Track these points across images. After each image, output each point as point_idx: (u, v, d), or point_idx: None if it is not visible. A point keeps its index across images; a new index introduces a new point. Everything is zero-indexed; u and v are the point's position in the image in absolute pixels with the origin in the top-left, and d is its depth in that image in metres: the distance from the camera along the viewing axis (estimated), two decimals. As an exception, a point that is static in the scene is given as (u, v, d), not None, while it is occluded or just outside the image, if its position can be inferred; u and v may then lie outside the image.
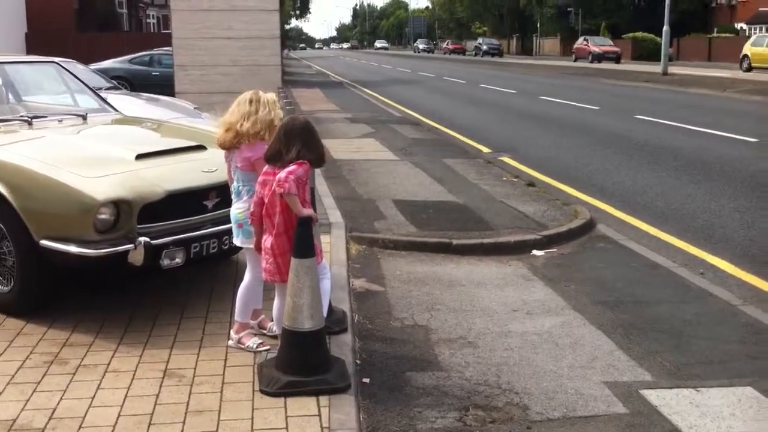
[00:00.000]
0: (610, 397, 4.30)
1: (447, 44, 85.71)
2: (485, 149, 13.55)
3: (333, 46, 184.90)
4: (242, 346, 4.55)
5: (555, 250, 7.26)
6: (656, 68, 35.14)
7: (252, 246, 4.43)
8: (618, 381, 4.51)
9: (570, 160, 12.27)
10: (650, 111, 18.58)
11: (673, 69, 35.20)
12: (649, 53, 50.98)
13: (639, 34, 55.32)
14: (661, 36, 34.62)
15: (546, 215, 8.27)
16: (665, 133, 15.05)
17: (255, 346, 4.54)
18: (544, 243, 7.36)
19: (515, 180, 10.33)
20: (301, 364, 4.07)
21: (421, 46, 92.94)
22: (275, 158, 4.25)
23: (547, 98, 23.10)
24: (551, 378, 4.54)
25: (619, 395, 4.32)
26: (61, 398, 3.96)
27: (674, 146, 13.37)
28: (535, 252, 7.17)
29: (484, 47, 69.91)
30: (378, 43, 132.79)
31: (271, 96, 4.58)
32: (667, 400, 4.26)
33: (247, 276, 4.62)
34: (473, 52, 73.67)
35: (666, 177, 10.63)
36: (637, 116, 17.76)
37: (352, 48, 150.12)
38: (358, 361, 4.62)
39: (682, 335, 5.22)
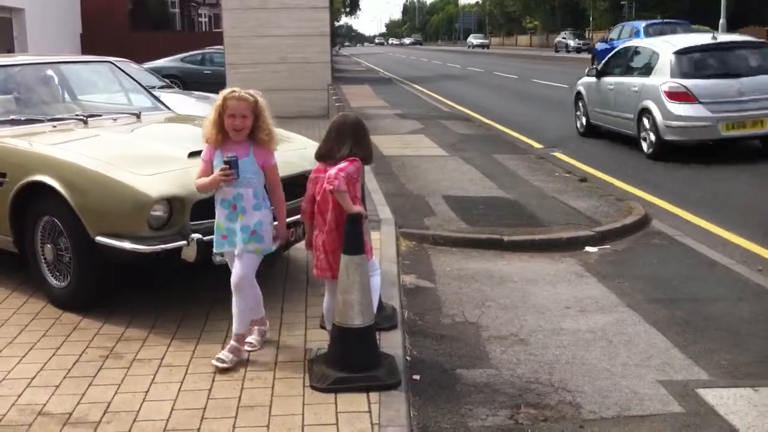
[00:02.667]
0: (665, 396, 4.21)
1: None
2: (537, 144, 13.42)
3: (393, 41, 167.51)
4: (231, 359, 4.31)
5: (608, 246, 7.15)
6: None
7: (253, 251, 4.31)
8: (673, 380, 4.42)
9: (624, 155, 12.07)
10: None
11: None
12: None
13: (695, 26, 54.16)
14: (717, 28, 33.91)
15: (599, 211, 8.16)
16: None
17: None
18: (598, 239, 7.25)
19: (567, 175, 10.21)
20: (351, 360, 4.07)
21: (475, 42, 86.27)
22: (327, 156, 4.27)
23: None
24: (605, 376, 4.47)
25: (674, 394, 4.23)
26: (116, 392, 4.02)
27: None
28: (588, 248, 7.07)
29: (572, 42, 57.66)
30: (408, 39, 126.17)
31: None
32: (724, 400, 4.16)
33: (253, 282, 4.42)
34: (553, 49, 61.50)
35: (723, 173, 10.38)
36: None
37: (415, 44, 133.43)
38: (408, 358, 4.60)
39: (739, 333, 5.09)
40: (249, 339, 4.50)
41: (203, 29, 50.92)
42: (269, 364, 4.33)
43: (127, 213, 4.74)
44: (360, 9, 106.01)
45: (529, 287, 6.06)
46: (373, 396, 3.93)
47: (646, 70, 12.13)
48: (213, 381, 4.14)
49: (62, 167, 5.05)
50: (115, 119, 6.35)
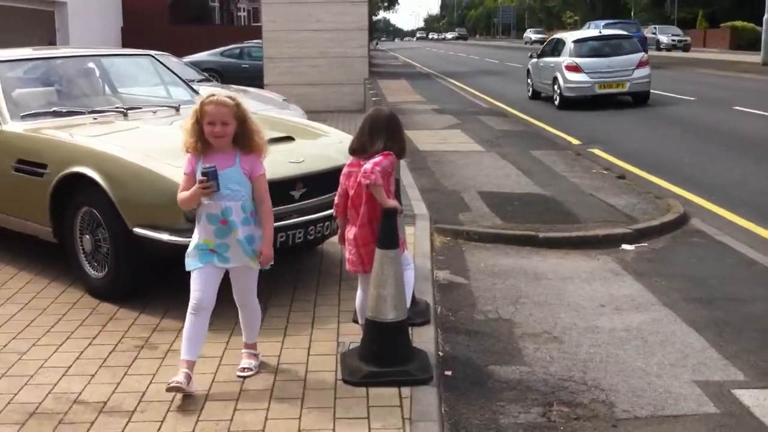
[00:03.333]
0: (700, 397, 4.16)
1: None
2: (574, 141, 13.31)
3: (433, 35, 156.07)
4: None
5: (646, 244, 7.07)
6: (755, 58, 33.75)
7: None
8: (709, 380, 4.36)
9: (663, 151, 11.93)
10: (751, 102, 17.85)
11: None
12: (749, 43, 48.96)
13: (738, 22, 53.02)
14: (761, 25, 33.22)
15: (637, 208, 8.06)
16: (767, 126, 14.46)
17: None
18: (635, 237, 7.17)
19: (605, 172, 10.11)
20: (383, 354, 4.07)
21: (533, 37, 76.42)
22: (360, 150, 4.26)
23: (656, 91, 22.47)
24: (639, 375, 4.42)
25: (710, 395, 4.18)
26: (150, 382, 4.07)
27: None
28: (624, 246, 6.99)
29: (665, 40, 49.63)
30: (451, 33, 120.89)
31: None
32: (760, 401, 4.09)
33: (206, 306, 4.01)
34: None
35: (766, 170, 10.21)
36: (736, 107, 17.11)
37: (459, 38, 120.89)
38: (440, 354, 4.60)
39: (779, 335, 5.00)
40: (245, 364, 4.18)
41: (242, 23, 51.22)
42: (302, 357, 4.35)
43: (164, 205, 4.78)
44: (398, 3, 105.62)
45: (564, 284, 6.02)
46: (405, 391, 3.93)
47: (558, 53, 19.33)
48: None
49: (102, 159, 5.12)
50: (154, 112, 6.42)
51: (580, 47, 19.00)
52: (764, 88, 23.07)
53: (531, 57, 21.51)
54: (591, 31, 23.62)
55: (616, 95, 18.53)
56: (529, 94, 21.20)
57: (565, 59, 18.61)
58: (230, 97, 3.92)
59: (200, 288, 3.94)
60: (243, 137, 3.91)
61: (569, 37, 20.17)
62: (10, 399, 3.89)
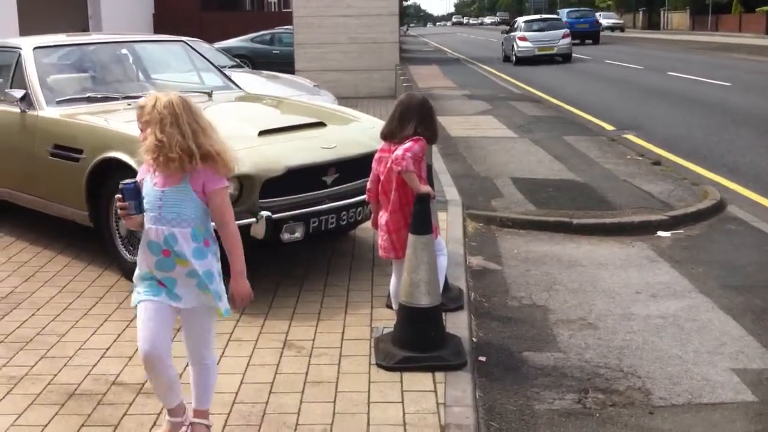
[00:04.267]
0: (738, 384, 4.11)
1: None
2: (608, 126, 13.17)
3: (470, 21, 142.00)
4: None
5: (682, 231, 6.98)
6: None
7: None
8: (747, 368, 4.30)
9: (699, 138, 11.77)
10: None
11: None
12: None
13: (604, 14, 52.18)
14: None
15: (673, 195, 7.97)
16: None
17: None
18: (671, 224, 7.08)
19: (640, 158, 10.00)
20: (417, 340, 4.07)
21: (605, 22, 58.25)
22: (391, 135, 4.25)
23: (674, 74, 22.21)
24: (676, 363, 4.37)
25: (748, 383, 4.12)
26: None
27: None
28: (660, 233, 6.91)
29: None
30: (491, 17, 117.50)
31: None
32: (801, 390, 4.04)
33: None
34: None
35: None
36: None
37: (501, 24, 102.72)
38: (474, 339, 4.59)
39: (818, 323, 4.92)
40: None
41: (273, 9, 51.21)
42: (336, 342, 4.36)
43: (198, 190, 4.80)
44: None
45: (599, 271, 5.97)
46: (439, 376, 3.92)
47: (515, 29, 30.43)
48: (281, 356, 4.19)
49: (137, 144, 5.12)
50: (187, 98, 6.43)
51: (527, 25, 30.69)
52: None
53: (502, 33, 34.40)
54: (533, 16, 35.20)
55: (549, 56, 29.08)
56: (502, 58, 32.13)
57: (518, 33, 30.06)
58: (164, 99, 3.10)
59: (148, 331, 3.08)
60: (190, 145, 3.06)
61: (521, 19, 33.29)
62: (50, 380, 3.95)
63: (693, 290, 5.53)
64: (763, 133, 11.92)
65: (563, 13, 43.87)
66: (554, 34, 29.67)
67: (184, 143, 3.02)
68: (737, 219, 7.35)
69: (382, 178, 4.28)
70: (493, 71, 26.32)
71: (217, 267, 3.18)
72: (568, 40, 29.73)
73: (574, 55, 30.38)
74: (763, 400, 3.95)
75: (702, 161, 9.88)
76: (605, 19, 58.99)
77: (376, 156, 4.36)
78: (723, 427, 3.71)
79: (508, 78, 23.18)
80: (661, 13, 70.71)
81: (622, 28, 59.53)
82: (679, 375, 4.23)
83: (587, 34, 42.47)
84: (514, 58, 29.45)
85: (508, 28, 35.11)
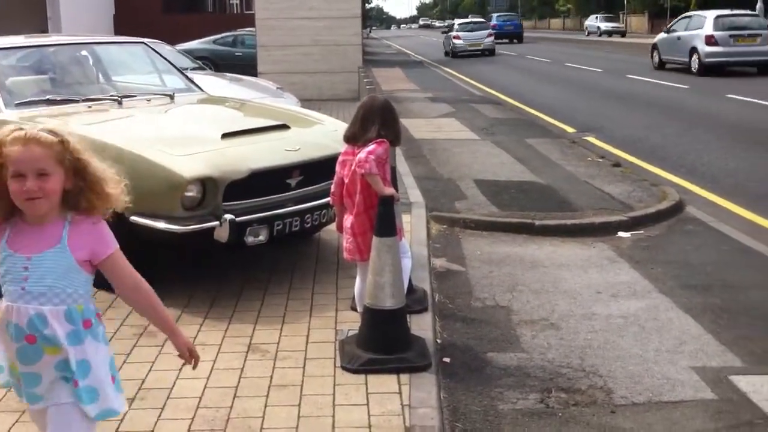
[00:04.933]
0: (698, 383, 4.18)
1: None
2: (569, 129, 13.32)
3: (436, 23, 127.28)
4: None
5: (642, 232, 7.08)
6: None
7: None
8: (706, 366, 4.38)
9: (658, 139, 11.94)
10: (743, 91, 17.86)
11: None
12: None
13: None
14: (756, 10, 33.28)
15: (632, 196, 8.08)
16: (759, 113, 14.48)
17: None
18: (631, 225, 7.19)
19: (600, 160, 10.12)
20: (381, 342, 4.08)
21: (603, 26, 60.25)
22: (354, 138, 4.26)
23: (633, 77, 22.50)
24: (637, 362, 4.44)
25: (707, 381, 4.20)
26: (149, 369, 4.07)
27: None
28: (620, 234, 7.01)
29: (602, 26, 59.68)
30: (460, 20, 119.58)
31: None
32: (757, 387, 4.11)
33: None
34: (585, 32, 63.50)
35: (761, 159, 10.22)
36: (729, 95, 17.12)
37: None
38: (438, 341, 4.61)
39: (775, 321, 5.03)
40: None
41: (235, 11, 50.94)
42: (301, 345, 4.35)
43: (161, 193, 4.77)
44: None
45: (561, 272, 6.03)
46: (404, 378, 3.94)
47: (451, 30, 40.60)
48: (245, 360, 4.17)
49: (98, 147, 5.06)
50: (149, 100, 6.39)
51: (461, 27, 39.27)
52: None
53: (442, 33, 45.14)
54: (464, 19, 46.30)
55: (477, 50, 37.30)
56: (444, 53, 39.48)
57: (453, 33, 38.72)
58: (52, 131, 2.36)
59: None
60: (80, 194, 2.40)
61: (456, 21, 43.16)
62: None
63: (653, 290, 5.62)
64: (719, 135, 12.13)
65: (494, 17, 53.29)
66: (481, 33, 38.11)
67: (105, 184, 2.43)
68: (696, 219, 7.47)
69: (346, 180, 4.29)
70: (454, 72, 26.47)
71: (102, 356, 2.48)
72: (492, 38, 38.33)
73: (502, 51, 39.04)
74: (723, 397, 4.03)
75: (661, 163, 10.03)
76: (603, 22, 61.48)
77: (340, 159, 4.37)
78: (683, 425, 3.77)
79: (467, 79, 23.34)
80: (621, 16, 71.63)
81: (623, 33, 58.38)
82: (639, 374, 4.29)
83: (513, 35, 51.26)
84: (450, 52, 38.16)
85: (447, 29, 47.58)
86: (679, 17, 25.23)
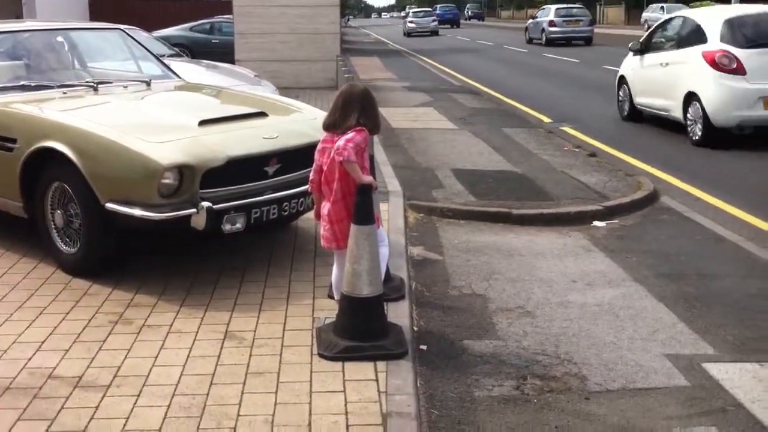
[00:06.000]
0: (671, 370, 4.23)
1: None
2: (546, 119, 13.38)
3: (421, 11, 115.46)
4: None
5: (617, 221, 7.15)
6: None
7: None
8: (679, 354, 4.44)
9: (633, 131, 12.02)
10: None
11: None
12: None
13: (705, 2, 53.51)
14: (729, 3, 33.65)
15: (608, 186, 8.14)
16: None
17: None
18: (606, 214, 7.24)
19: (577, 150, 10.18)
20: (358, 329, 4.09)
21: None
22: (333, 126, 4.26)
23: (610, 67, 22.59)
24: (611, 349, 4.49)
25: (680, 368, 4.25)
26: (125, 357, 4.06)
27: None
28: (596, 223, 7.06)
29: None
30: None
31: None
32: (729, 374, 4.17)
33: None
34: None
35: (737, 150, 10.30)
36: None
37: (473, 18, 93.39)
38: (415, 328, 4.63)
39: (746, 310, 5.09)
40: None
41: (212, -2, 50.51)
42: (277, 332, 4.36)
43: (137, 180, 4.75)
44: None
45: (537, 260, 6.07)
46: (381, 365, 3.95)
47: (407, 17, 58.47)
48: (221, 348, 4.17)
49: (73, 133, 5.05)
50: (125, 86, 6.35)
51: (413, 14, 55.52)
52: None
53: (401, 19, 64.59)
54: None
55: (425, 32, 51.06)
56: (402, 34, 52.53)
57: (408, 19, 54.76)
58: None
59: None
60: None
61: (411, 10, 60.90)
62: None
63: (627, 278, 5.67)
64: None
65: (438, 8, 69.28)
66: (428, 20, 53.89)
67: None
68: (670, 209, 7.55)
69: (324, 168, 4.29)
70: (432, 62, 26.48)
71: None
72: (436, 23, 54.02)
73: (441, 33, 52.80)
74: (695, 384, 4.08)
75: (637, 153, 10.08)
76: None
77: (319, 147, 4.36)
78: (656, 411, 3.82)
79: (441, 67, 23.36)
80: (597, 8, 71.81)
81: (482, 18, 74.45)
82: (614, 361, 4.34)
83: (452, 21, 67.93)
84: (406, 33, 52.06)
85: (404, 16, 64.59)
86: (539, 9, 40.92)
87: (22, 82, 6.02)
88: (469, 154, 9.85)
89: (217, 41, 21.83)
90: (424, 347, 4.43)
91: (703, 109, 10.12)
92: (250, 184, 5.10)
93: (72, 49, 6.95)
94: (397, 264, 5.33)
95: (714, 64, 10.08)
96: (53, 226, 5.28)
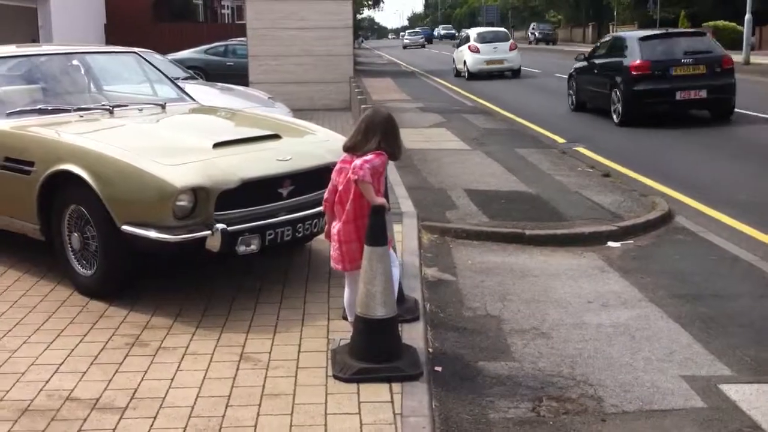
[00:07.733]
0: (687, 391, 4.21)
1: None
2: (560, 139, 13.37)
3: (439, 31, 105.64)
4: None
5: (631, 241, 7.13)
6: (737, 57, 33.95)
7: None
8: (696, 375, 4.41)
9: (648, 150, 12.01)
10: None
11: (756, 59, 34.03)
12: (731, 42, 49.23)
13: (720, 22, 53.48)
14: (742, 25, 33.54)
15: (622, 206, 8.13)
16: (750, 124, 14.56)
17: None
18: (620, 234, 7.23)
19: (590, 170, 10.18)
20: (373, 351, 4.09)
21: (538, 33, 70.79)
22: (354, 148, 4.27)
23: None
24: (627, 371, 4.47)
25: (697, 389, 4.23)
26: (142, 379, 4.07)
27: (760, 138, 12.92)
28: (610, 243, 7.05)
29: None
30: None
31: None
32: (746, 395, 4.15)
33: None
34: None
35: (750, 169, 10.29)
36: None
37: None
38: (430, 350, 4.63)
39: (762, 330, 5.06)
40: None
41: (226, 21, 51.00)
42: (292, 354, 4.37)
43: (152, 202, 4.79)
44: (383, 2, 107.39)
45: (551, 281, 6.06)
46: (396, 387, 3.95)
47: (404, 38, 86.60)
48: (237, 369, 4.18)
49: (89, 157, 5.10)
50: (140, 109, 6.41)
51: (408, 34, 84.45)
52: (745, 87, 23.20)
53: (402, 40, 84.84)
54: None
55: (415, 46, 73.63)
56: (401, 47, 73.18)
57: (404, 36, 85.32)
58: None
59: None
60: None
61: (407, 33, 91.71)
62: (2, 396, 3.88)
63: (643, 299, 5.65)
64: (707, 146, 12.21)
65: (418, 29, 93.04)
66: (417, 37, 75.91)
67: None
68: (685, 229, 7.52)
69: (340, 188, 4.30)
70: (442, 81, 26.57)
71: None
72: (423, 39, 74.64)
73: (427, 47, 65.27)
74: (712, 406, 4.06)
75: (651, 173, 10.05)
76: (538, 31, 73.14)
77: (337, 166, 4.37)
78: (672, 433, 3.80)
79: (454, 88, 23.42)
80: (610, 27, 71.88)
81: (554, 41, 69.45)
82: (630, 382, 4.32)
83: (427, 39, 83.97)
84: (404, 47, 67.17)
85: (403, 36, 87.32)
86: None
87: (39, 106, 6.09)
88: (482, 174, 9.86)
89: (232, 64, 21.99)
90: (438, 369, 4.42)
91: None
92: (265, 206, 5.13)
93: (88, 72, 7.03)
94: (411, 285, 5.33)
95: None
96: (70, 249, 5.32)
